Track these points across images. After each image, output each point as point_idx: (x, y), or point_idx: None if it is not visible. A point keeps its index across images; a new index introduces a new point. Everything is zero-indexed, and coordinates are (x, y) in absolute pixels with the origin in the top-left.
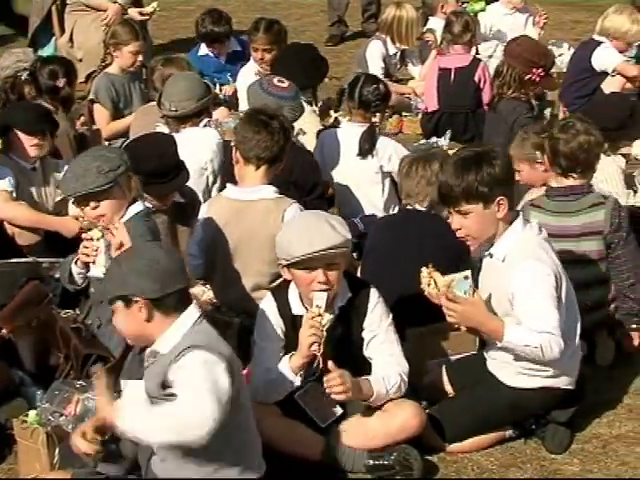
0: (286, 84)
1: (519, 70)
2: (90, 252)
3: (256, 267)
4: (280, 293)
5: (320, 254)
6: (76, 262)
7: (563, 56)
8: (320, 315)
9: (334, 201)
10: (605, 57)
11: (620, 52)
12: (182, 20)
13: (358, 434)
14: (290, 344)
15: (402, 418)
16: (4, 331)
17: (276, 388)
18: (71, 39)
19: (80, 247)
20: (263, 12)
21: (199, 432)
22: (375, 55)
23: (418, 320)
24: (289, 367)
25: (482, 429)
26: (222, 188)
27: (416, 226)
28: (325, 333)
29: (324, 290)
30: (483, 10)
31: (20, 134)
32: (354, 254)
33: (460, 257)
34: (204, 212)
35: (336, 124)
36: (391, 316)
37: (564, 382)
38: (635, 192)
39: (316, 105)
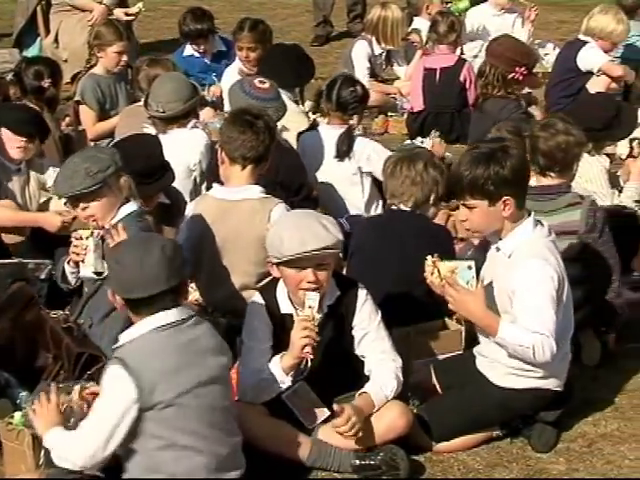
0: (267, 85)
1: (502, 69)
2: (79, 251)
3: (242, 267)
4: (268, 292)
5: (312, 254)
6: (69, 262)
7: (548, 56)
8: (313, 316)
9: (318, 202)
10: (590, 57)
11: (605, 52)
12: (167, 20)
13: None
14: (279, 343)
15: (389, 418)
16: None
17: (265, 388)
18: (56, 40)
19: (70, 247)
20: (248, 12)
21: (71, 465)
22: (361, 55)
23: (404, 320)
24: (280, 367)
25: (470, 429)
26: (209, 188)
27: (401, 226)
28: (318, 334)
29: (313, 290)
30: (467, 9)
31: (7, 134)
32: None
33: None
34: (190, 212)
35: (315, 125)
36: (380, 313)
37: (554, 384)
38: (620, 192)
39: (302, 105)
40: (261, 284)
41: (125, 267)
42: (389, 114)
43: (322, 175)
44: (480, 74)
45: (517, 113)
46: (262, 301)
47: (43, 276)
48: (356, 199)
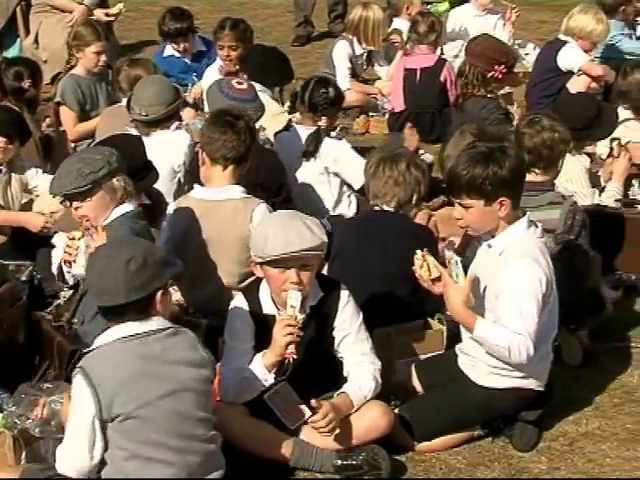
0: (245, 85)
1: (481, 68)
2: (72, 251)
3: (225, 267)
4: (251, 292)
5: (296, 255)
6: (65, 262)
7: (529, 56)
8: (295, 316)
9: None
10: (570, 57)
11: (585, 52)
12: (148, 21)
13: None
14: (261, 344)
15: (370, 418)
16: None
17: (247, 388)
18: (36, 40)
19: (64, 246)
20: (229, 13)
21: (70, 475)
22: (342, 55)
23: (387, 320)
24: (262, 365)
25: (452, 429)
26: (190, 189)
27: (383, 226)
28: (302, 333)
29: (297, 290)
30: (447, 11)
31: None
32: None
33: None
34: (172, 213)
35: (290, 125)
36: (361, 315)
37: (535, 383)
38: (601, 191)
39: (282, 105)
40: (244, 284)
41: (90, 275)
42: (370, 114)
43: (294, 174)
44: (460, 74)
45: (496, 113)
46: (245, 301)
47: (24, 278)
48: (324, 198)
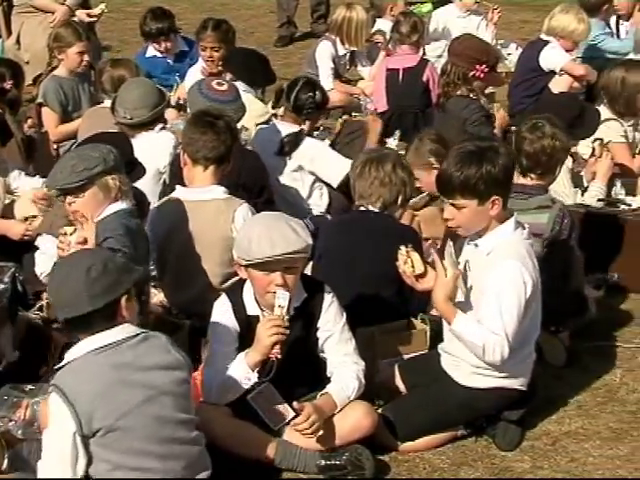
0: (225, 86)
1: (463, 67)
2: (64, 247)
3: (207, 268)
4: (234, 293)
5: (281, 258)
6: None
7: (511, 56)
8: (282, 316)
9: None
10: (552, 56)
11: (567, 51)
12: (129, 22)
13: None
14: (244, 345)
15: (354, 418)
16: None
17: (230, 389)
18: (18, 41)
19: (57, 243)
20: (211, 13)
21: None
22: (325, 56)
23: (373, 320)
24: (245, 363)
25: (435, 428)
26: (172, 190)
27: (368, 227)
28: (287, 332)
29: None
30: (430, 12)
31: None
32: None
33: None
34: (154, 214)
35: (270, 120)
36: (345, 315)
37: (518, 383)
38: (583, 191)
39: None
40: (226, 285)
41: (51, 282)
42: (353, 114)
43: (270, 169)
44: (442, 73)
45: (478, 114)
46: (228, 302)
47: (6, 279)
48: (297, 195)
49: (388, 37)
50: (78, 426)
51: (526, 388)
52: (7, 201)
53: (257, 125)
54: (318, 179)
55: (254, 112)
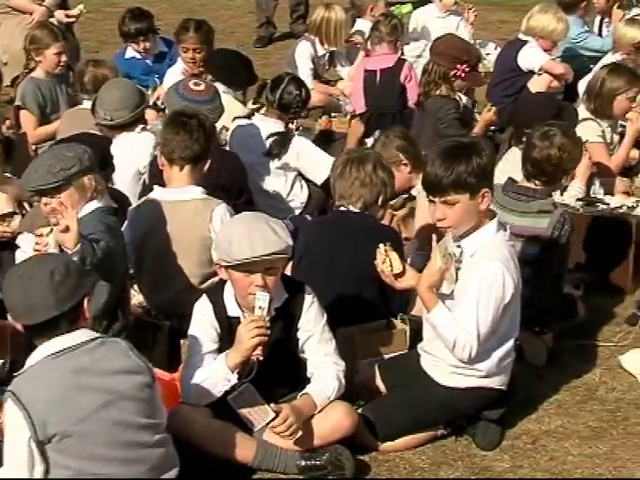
0: (202, 87)
1: (444, 67)
2: (41, 247)
3: (186, 268)
4: (215, 294)
5: (261, 259)
6: None
7: (490, 56)
8: (264, 317)
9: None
10: (531, 56)
11: (545, 51)
12: (108, 22)
13: None
14: (225, 346)
15: (334, 418)
16: None
17: (210, 390)
18: None
19: (33, 244)
20: (191, 14)
21: None
22: (304, 56)
23: (354, 321)
24: (225, 365)
25: (415, 428)
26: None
27: (349, 227)
28: (269, 332)
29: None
30: (410, 13)
31: None
32: None
33: None
34: (132, 214)
35: (251, 115)
36: (325, 315)
37: (497, 383)
38: (562, 191)
39: (245, 105)
40: (205, 285)
41: (12, 291)
42: (332, 115)
43: (249, 164)
44: (424, 72)
45: (451, 115)
46: (209, 303)
47: None
48: (276, 190)
49: (367, 37)
50: (33, 432)
51: (506, 387)
52: None
53: (234, 120)
54: (300, 174)
55: (233, 112)
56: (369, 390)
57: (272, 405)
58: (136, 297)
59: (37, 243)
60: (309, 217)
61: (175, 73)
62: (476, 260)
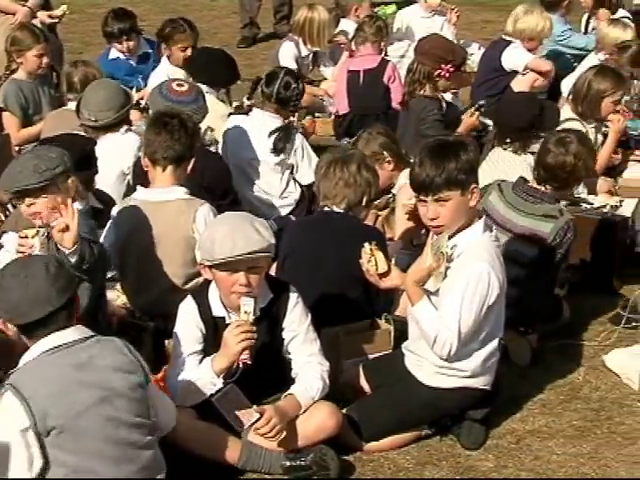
0: (185, 87)
1: (428, 67)
2: (26, 250)
3: (170, 268)
4: (200, 295)
5: (243, 257)
6: None
7: (474, 56)
8: (249, 321)
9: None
10: (515, 56)
11: (530, 51)
12: (92, 23)
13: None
14: (210, 346)
15: (319, 419)
16: None
17: (195, 391)
18: None
19: (16, 245)
20: (175, 14)
21: None
22: (287, 56)
23: (339, 321)
24: (211, 369)
25: (400, 428)
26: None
27: (333, 227)
28: (256, 336)
29: (245, 292)
30: (394, 13)
31: None
32: None
33: None
34: (115, 215)
35: (249, 110)
36: (310, 315)
37: (482, 382)
38: None
39: (230, 105)
40: (189, 285)
41: (10, 291)
42: (316, 115)
43: (247, 159)
44: (408, 72)
45: (432, 116)
46: (194, 304)
47: None
48: (273, 186)
49: (351, 38)
50: (33, 423)
51: (490, 387)
52: None
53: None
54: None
55: (216, 113)
56: (353, 390)
57: (254, 407)
58: (120, 298)
59: (21, 245)
60: (293, 218)
61: (161, 75)
62: (463, 260)
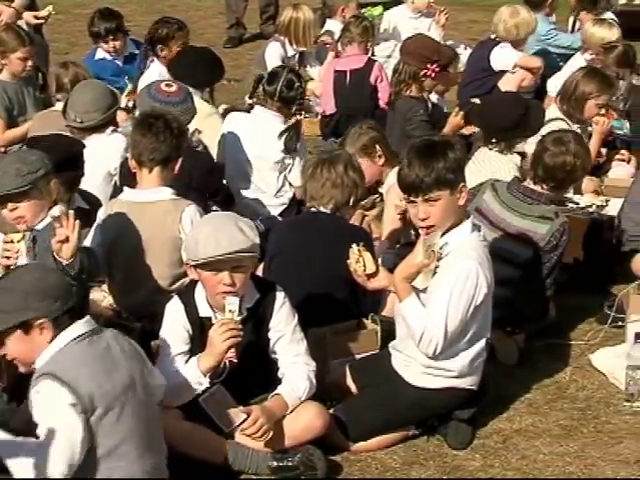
0: (174, 88)
1: (414, 66)
2: (11, 254)
3: (156, 269)
4: (187, 295)
5: (227, 257)
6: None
7: (460, 56)
8: (234, 320)
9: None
10: (504, 55)
11: (515, 48)
12: (78, 23)
13: None
14: (196, 347)
15: (306, 419)
16: None
17: (181, 392)
18: None
19: (1, 250)
20: (161, 15)
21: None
22: (274, 56)
23: (326, 321)
24: (198, 369)
25: (387, 428)
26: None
27: (320, 228)
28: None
29: (229, 292)
30: (381, 15)
31: None
32: None
33: None
34: (102, 216)
35: (248, 109)
36: (296, 316)
37: (468, 382)
38: None
39: (213, 104)
40: (176, 286)
41: (46, 280)
42: (303, 115)
43: (245, 156)
44: (394, 72)
45: (418, 117)
46: (180, 304)
47: None
48: (269, 184)
49: (337, 38)
50: (79, 402)
51: (477, 387)
52: None
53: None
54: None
55: (200, 113)
56: (340, 390)
57: (240, 407)
58: (107, 299)
59: (6, 250)
60: (280, 218)
61: (153, 77)
62: (451, 258)
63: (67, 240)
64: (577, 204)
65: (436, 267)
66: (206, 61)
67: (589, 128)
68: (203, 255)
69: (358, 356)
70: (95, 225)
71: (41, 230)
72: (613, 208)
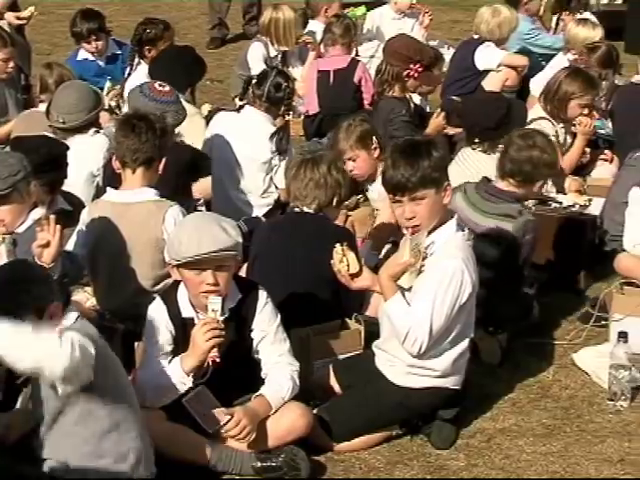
0: (167, 88)
1: (397, 67)
2: None
3: (139, 270)
4: (169, 296)
5: (209, 256)
6: None
7: (444, 56)
8: (217, 320)
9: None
10: (488, 55)
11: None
12: (60, 24)
13: None
14: (179, 347)
15: (289, 419)
16: None
17: (165, 392)
18: None
19: None
20: (144, 15)
21: (55, 363)
22: (256, 57)
23: (310, 321)
24: (181, 369)
25: (371, 428)
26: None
27: (304, 228)
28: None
29: (212, 292)
30: (364, 15)
31: None
32: None
33: None
34: (85, 217)
35: (238, 108)
36: (279, 316)
37: (452, 382)
38: None
39: (195, 105)
40: (159, 287)
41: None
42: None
43: (233, 156)
44: (377, 72)
45: (399, 118)
46: (163, 305)
47: None
48: (255, 185)
49: (320, 38)
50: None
51: (460, 387)
52: None
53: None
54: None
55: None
56: (324, 390)
57: (223, 409)
58: (90, 300)
59: None
60: (263, 219)
61: (140, 77)
62: (436, 258)
63: (48, 245)
64: (560, 203)
65: (421, 266)
66: (185, 61)
67: (573, 128)
68: (185, 254)
69: (341, 356)
70: (78, 226)
71: (22, 233)
72: (596, 207)
